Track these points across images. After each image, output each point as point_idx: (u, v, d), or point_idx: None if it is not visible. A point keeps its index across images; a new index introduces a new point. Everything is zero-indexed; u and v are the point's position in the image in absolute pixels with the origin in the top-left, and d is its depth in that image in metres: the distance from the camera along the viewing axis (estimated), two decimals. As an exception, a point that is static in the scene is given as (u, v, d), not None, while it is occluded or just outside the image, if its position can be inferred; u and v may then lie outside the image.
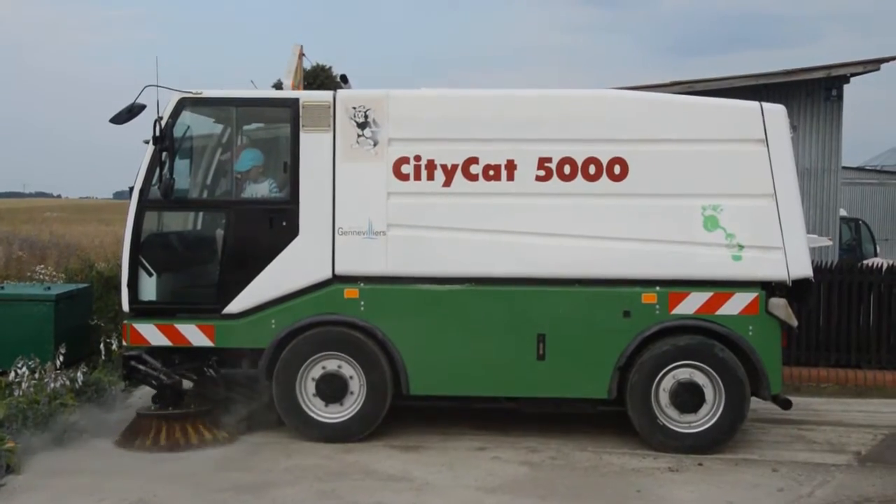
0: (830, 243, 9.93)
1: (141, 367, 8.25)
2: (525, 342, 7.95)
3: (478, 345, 7.96)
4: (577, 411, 8.34)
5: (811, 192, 12.87)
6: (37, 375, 8.57)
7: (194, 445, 7.96)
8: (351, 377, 8.10)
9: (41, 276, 14.76)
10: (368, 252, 7.97)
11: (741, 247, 7.79)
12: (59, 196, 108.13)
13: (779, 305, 7.82)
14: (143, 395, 9.92)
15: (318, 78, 21.11)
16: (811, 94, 12.89)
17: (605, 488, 6.94)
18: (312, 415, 8.13)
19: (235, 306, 8.08)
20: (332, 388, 8.09)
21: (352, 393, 8.11)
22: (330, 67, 22.33)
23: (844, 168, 14.71)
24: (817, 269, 10.88)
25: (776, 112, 7.92)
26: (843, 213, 15.94)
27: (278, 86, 20.41)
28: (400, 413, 8.39)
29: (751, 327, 7.82)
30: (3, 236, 20.37)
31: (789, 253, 7.77)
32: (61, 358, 8.88)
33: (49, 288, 10.77)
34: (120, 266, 8.27)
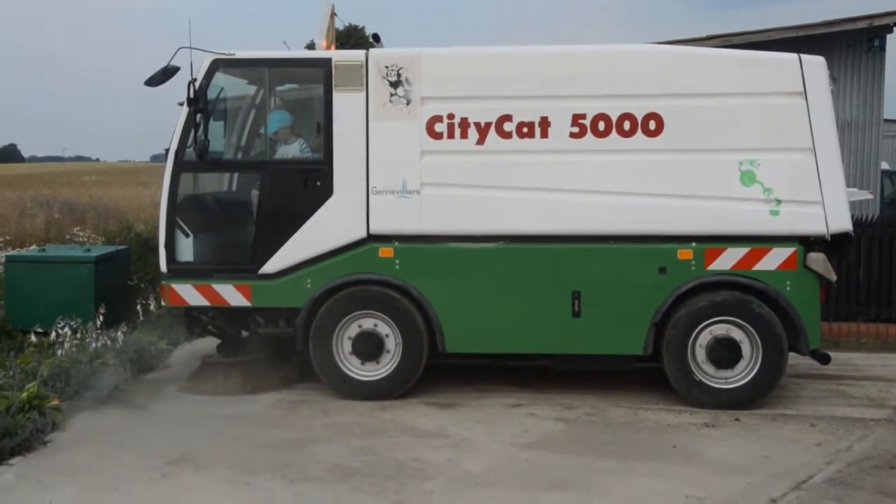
0: (871, 197, 9.78)
1: (203, 317, 8.47)
2: (560, 299, 7.94)
3: (513, 302, 7.97)
4: (613, 368, 8.35)
5: (852, 146, 12.66)
6: (78, 336, 8.73)
7: (251, 391, 8.34)
8: (387, 335, 8.15)
9: (80, 239, 15.01)
10: (402, 211, 7.98)
11: (779, 201, 7.69)
12: (97, 160, 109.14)
13: (817, 260, 7.73)
14: (182, 354, 10.12)
15: (352, 38, 21.09)
16: (852, 45, 12.63)
17: (641, 443, 6.95)
18: (349, 373, 8.21)
19: (271, 266, 8.14)
20: (368, 347, 8.15)
21: (388, 351, 8.17)
22: (363, 27, 22.26)
23: (886, 121, 14.42)
24: (857, 223, 10.73)
25: (815, 64, 7.77)
26: (884, 166, 15.68)
27: (311, 46, 20.45)
28: (436, 371, 8.43)
29: (789, 282, 7.74)
30: (44, 200, 20.69)
31: (828, 207, 7.66)
32: (102, 318, 9.02)
33: (89, 250, 10.94)
34: (157, 228, 8.36)
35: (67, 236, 15.79)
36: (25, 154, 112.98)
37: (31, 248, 13.10)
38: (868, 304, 11.09)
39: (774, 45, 10.68)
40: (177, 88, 8.49)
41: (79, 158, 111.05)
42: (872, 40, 12.61)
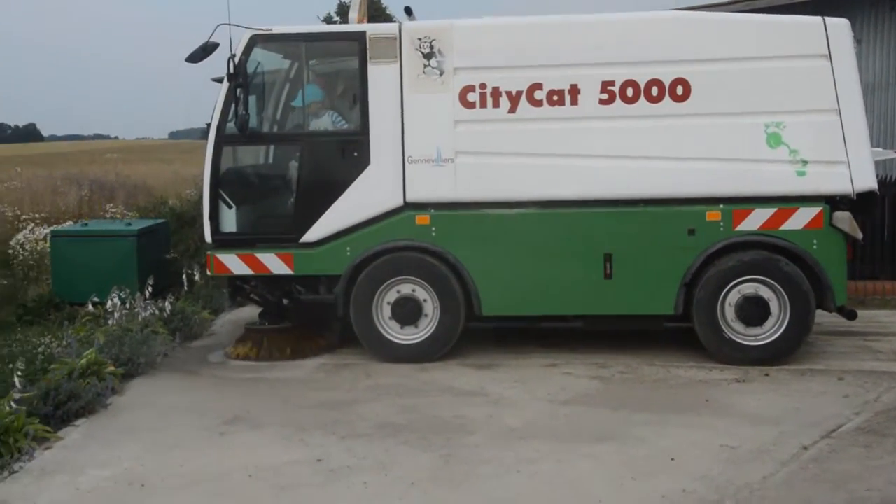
0: (895, 156, 9.92)
1: (246, 286, 8.83)
2: (592, 262, 8.19)
3: (546, 266, 8.22)
4: (645, 328, 8.60)
5: (876, 107, 12.73)
6: (127, 306, 9.06)
7: (294, 356, 8.66)
8: (424, 300, 8.42)
9: (113, 214, 15.36)
10: (438, 179, 8.22)
11: (805, 162, 7.89)
12: (116, 137, 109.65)
13: (843, 219, 7.93)
14: (224, 323, 10.46)
15: (368, 11, 21.19)
16: (875, 6, 12.68)
17: (674, 398, 7.22)
18: (389, 337, 8.50)
19: (312, 235, 8.42)
20: (407, 311, 8.43)
21: (426, 315, 8.44)
22: (385, 6, 22.30)
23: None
24: (882, 182, 10.87)
25: (840, 26, 7.93)
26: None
27: (327, 19, 20.58)
28: (473, 335, 8.72)
29: (815, 241, 7.95)
30: (73, 178, 21.03)
31: (853, 166, 7.85)
32: (150, 289, 9.34)
33: (130, 224, 11.28)
34: (191, 202, 8.65)
35: (101, 213, 16.13)
36: (45, 133, 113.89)
37: (69, 223, 13.45)
38: (893, 263, 11.24)
39: (798, 9, 10.76)
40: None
41: (98, 137, 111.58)
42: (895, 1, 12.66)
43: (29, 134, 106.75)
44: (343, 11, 20.10)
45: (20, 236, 13.18)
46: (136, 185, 21.61)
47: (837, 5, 11.69)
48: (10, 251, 12.71)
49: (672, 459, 5.82)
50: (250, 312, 9.75)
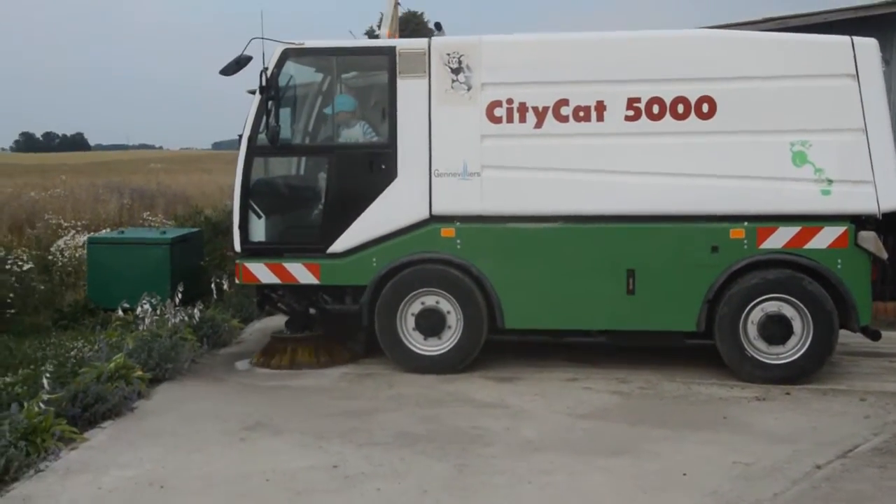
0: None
1: (273, 295, 8.99)
2: (615, 277, 8.24)
3: (569, 280, 8.28)
4: (667, 345, 8.62)
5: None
6: (158, 312, 9.25)
7: (319, 365, 8.81)
8: (448, 312, 8.51)
9: (151, 223, 15.66)
10: (464, 193, 8.32)
11: (830, 181, 7.88)
12: (160, 147, 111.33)
13: (868, 238, 7.91)
14: (253, 331, 10.62)
15: (410, 24, 21.45)
16: (913, 25, 12.59)
17: (693, 415, 7.23)
18: (412, 348, 8.60)
19: (339, 245, 8.55)
20: (431, 323, 8.53)
21: (449, 327, 8.53)
22: (422, 13, 22.62)
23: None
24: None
25: (868, 46, 7.93)
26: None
27: (370, 34, 20.86)
28: (496, 347, 8.79)
29: (840, 260, 7.94)
30: (115, 186, 21.46)
31: (879, 186, 7.83)
32: (180, 296, 9.53)
33: (164, 232, 11.51)
34: (226, 211, 8.82)
35: (140, 221, 16.45)
36: (91, 142, 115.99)
37: (106, 230, 13.73)
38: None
39: (832, 27, 10.76)
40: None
41: (142, 146, 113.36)
42: (932, 20, 12.54)
43: (76, 143, 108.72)
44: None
45: (60, 242, 13.50)
46: (175, 195, 22.04)
47: (872, 24, 11.67)
48: (50, 257, 13.02)
49: (684, 474, 5.85)
50: (279, 321, 9.89)
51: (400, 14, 10.31)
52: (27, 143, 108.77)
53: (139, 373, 7.76)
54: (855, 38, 7.96)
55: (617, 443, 6.53)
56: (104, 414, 7.00)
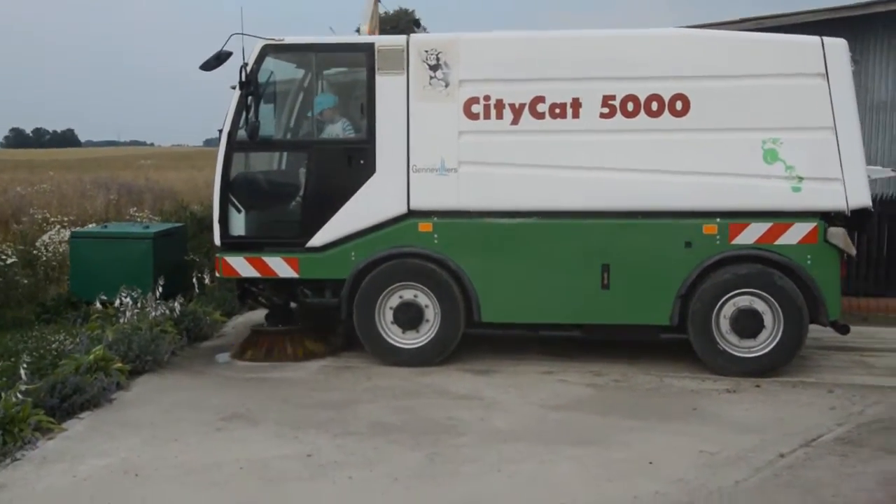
0: (893, 174, 10.01)
1: (254, 289, 9.10)
2: (590, 272, 8.35)
3: (545, 275, 8.40)
4: (641, 339, 8.73)
5: (888, 126, 12.79)
6: (139, 305, 9.34)
7: (298, 358, 8.91)
8: (426, 306, 8.63)
9: (137, 218, 15.71)
10: (441, 188, 8.43)
11: (801, 178, 8.01)
12: (151, 144, 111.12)
13: (837, 234, 8.04)
14: (236, 325, 10.71)
15: (402, 21, 21.57)
16: (888, 26, 12.75)
17: (664, 407, 7.35)
18: (391, 341, 8.71)
19: (318, 240, 8.65)
20: (409, 316, 8.64)
21: (427, 320, 8.64)
22: (412, 11, 22.73)
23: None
24: (888, 201, 11.01)
25: (837, 46, 8.06)
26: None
27: (359, 31, 20.99)
28: (473, 341, 8.91)
29: (809, 256, 8.07)
30: (103, 182, 21.48)
31: (848, 183, 7.97)
32: (160, 290, 9.61)
33: (148, 227, 11.57)
34: (211, 206, 8.92)
35: (127, 217, 16.49)
36: (82, 139, 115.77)
37: (91, 225, 13.77)
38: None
39: (809, 28, 10.89)
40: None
41: (134, 143, 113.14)
42: (908, 21, 12.70)
43: (66, 139, 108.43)
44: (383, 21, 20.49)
45: (45, 237, 13.54)
46: (163, 191, 22.05)
47: (849, 24, 11.84)
48: (35, 252, 13.06)
49: (650, 463, 5.98)
50: (262, 315, 9.98)
51: (391, 10, 10.42)
52: (17, 138, 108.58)
53: (118, 365, 7.85)
54: (825, 38, 8.10)
55: (587, 433, 6.65)
56: (82, 405, 7.09)
